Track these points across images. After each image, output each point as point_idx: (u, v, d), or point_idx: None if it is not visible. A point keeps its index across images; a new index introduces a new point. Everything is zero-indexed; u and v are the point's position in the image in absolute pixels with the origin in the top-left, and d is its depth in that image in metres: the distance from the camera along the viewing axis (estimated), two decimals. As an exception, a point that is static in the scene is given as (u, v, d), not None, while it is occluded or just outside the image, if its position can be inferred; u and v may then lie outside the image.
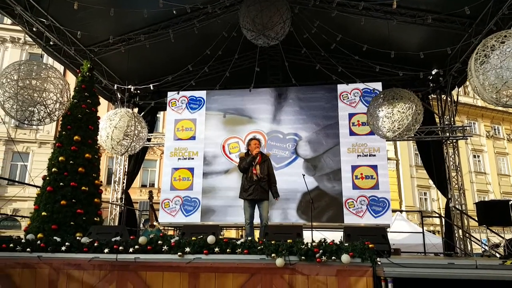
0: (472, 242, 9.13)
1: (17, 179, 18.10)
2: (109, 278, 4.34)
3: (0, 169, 18.10)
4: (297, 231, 4.65)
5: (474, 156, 24.42)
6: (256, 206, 5.84)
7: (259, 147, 5.95)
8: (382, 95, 7.30)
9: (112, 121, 7.69)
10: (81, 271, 4.40)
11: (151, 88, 9.65)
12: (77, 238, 4.70)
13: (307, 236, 4.88)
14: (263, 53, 9.32)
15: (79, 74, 6.61)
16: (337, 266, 3.97)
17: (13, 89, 5.24)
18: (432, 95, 10.20)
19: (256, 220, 5.86)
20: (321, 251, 4.00)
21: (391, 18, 7.72)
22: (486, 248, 9.20)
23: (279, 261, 4.00)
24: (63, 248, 4.54)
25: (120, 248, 4.40)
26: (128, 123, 7.69)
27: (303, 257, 4.01)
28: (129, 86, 9.95)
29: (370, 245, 4.05)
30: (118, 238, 4.59)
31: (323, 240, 4.23)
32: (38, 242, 4.66)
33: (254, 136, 6.35)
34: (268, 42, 7.02)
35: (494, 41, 5.01)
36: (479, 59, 5.12)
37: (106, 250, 4.42)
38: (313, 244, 4.14)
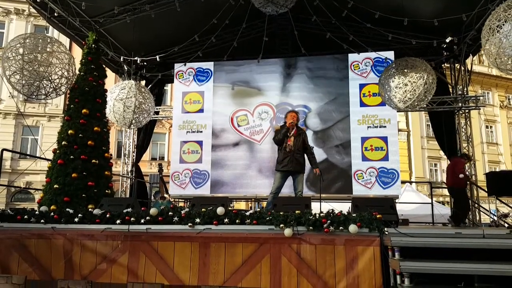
0: (481, 213, 9.13)
1: (28, 153, 18.42)
2: (122, 248, 4.46)
3: (12, 143, 18.39)
4: (305, 203, 4.68)
5: (487, 127, 24.03)
6: (290, 178, 5.84)
7: (295, 120, 5.90)
8: (394, 65, 7.12)
9: (113, 94, 7.46)
10: (94, 241, 4.52)
11: (158, 59, 9.53)
12: (89, 210, 4.80)
13: (315, 207, 4.90)
14: (271, 22, 9.07)
15: (85, 46, 6.54)
16: (344, 236, 4.02)
17: (18, 63, 5.20)
18: (445, 64, 9.92)
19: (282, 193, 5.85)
20: (329, 221, 4.05)
21: (404, -17, 7.41)
22: (495, 218, 9.19)
23: (288, 231, 4.06)
24: (76, 219, 4.64)
25: (132, 219, 4.49)
26: (128, 95, 7.44)
27: (311, 227, 4.06)
28: (136, 58, 9.83)
29: (378, 216, 4.08)
30: (129, 209, 4.67)
31: (331, 210, 4.26)
32: (52, 214, 4.77)
33: (293, 109, 6.30)
34: (277, 10, 6.77)
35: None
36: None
37: (118, 221, 4.52)
38: (321, 214, 4.17)
